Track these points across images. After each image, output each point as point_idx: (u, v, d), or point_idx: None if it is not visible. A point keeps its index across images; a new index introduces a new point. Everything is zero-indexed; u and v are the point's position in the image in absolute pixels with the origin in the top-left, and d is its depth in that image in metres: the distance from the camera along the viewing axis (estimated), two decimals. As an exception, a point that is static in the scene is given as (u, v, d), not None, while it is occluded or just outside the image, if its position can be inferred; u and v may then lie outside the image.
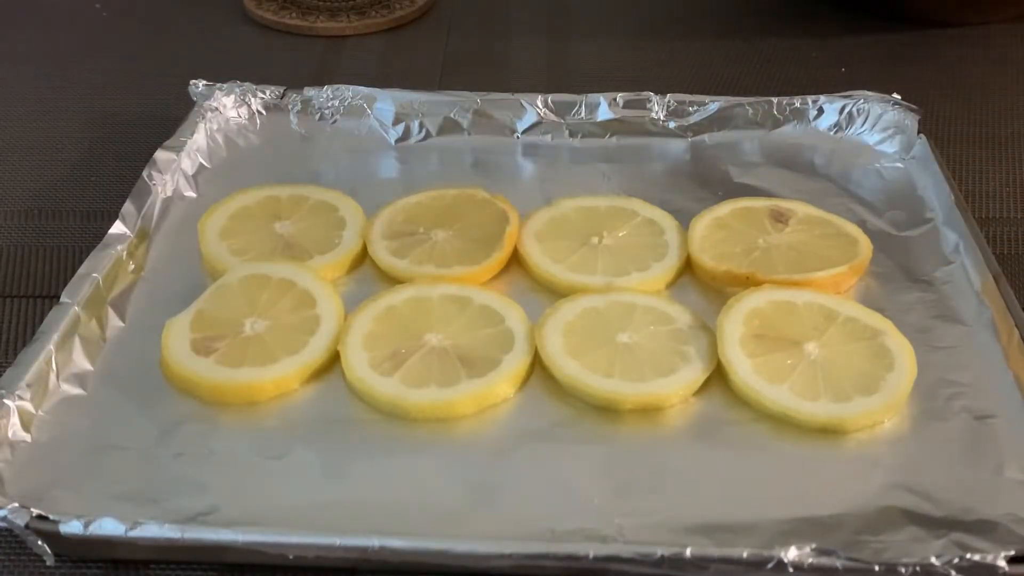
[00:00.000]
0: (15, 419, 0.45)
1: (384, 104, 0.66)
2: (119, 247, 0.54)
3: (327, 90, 0.67)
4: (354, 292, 0.54)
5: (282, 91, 0.67)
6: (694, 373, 0.48)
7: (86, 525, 0.39)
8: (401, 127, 0.66)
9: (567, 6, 0.89)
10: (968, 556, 0.38)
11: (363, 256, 0.57)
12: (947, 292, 0.53)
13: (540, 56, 0.80)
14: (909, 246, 0.57)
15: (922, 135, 0.63)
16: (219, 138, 0.65)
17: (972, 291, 0.53)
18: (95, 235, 0.55)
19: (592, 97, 0.66)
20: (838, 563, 0.38)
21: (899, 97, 0.65)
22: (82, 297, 0.50)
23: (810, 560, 0.38)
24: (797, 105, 0.66)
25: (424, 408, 0.47)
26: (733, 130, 0.66)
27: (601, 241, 0.56)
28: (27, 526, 0.39)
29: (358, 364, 0.48)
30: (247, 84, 0.67)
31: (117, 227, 0.55)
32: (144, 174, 0.59)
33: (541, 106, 0.66)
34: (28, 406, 0.46)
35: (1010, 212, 0.62)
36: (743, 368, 0.48)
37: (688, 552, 0.38)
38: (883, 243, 0.57)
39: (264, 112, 0.67)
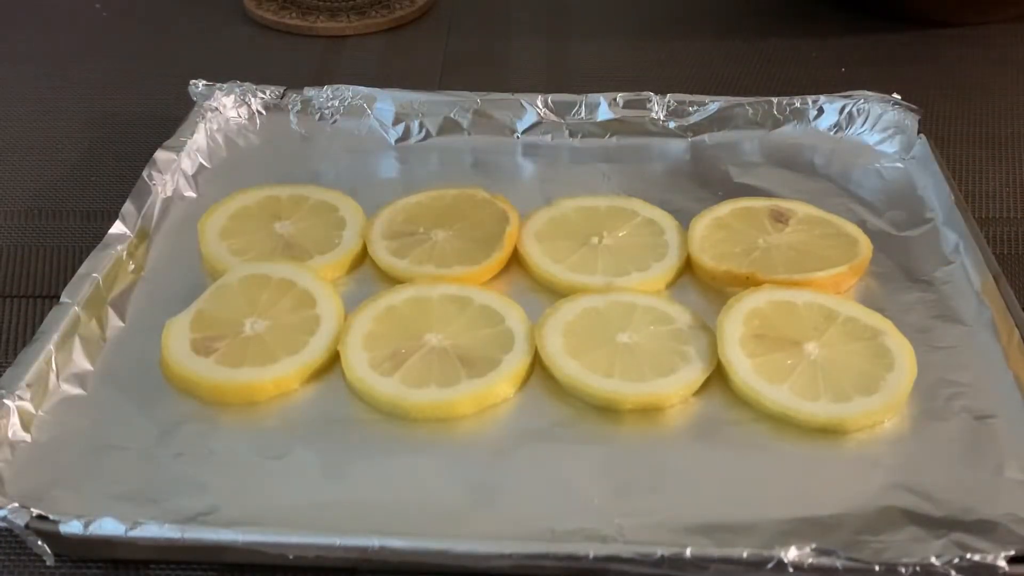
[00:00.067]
0: (15, 419, 0.45)
1: (384, 104, 0.66)
2: (119, 247, 0.54)
3: (327, 90, 0.67)
4: (354, 292, 0.54)
5: (282, 91, 0.67)
6: (694, 373, 0.48)
7: (86, 525, 0.39)
8: (401, 127, 0.66)
9: (567, 6, 0.89)
10: (968, 556, 0.38)
11: (363, 256, 0.57)
12: (947, 292, 0.53)
13: (540, 56, 0.80)
14: (909, 246, 0.57)
15: (922, 135, 0.63)
16: (219, 138, 0.65)
17: (972, 291, 0.53)
18: (95, 235, 0.55)
19: (592, 97, 0.66)
20: (838, 563, 0.38)
21: (899, 97, 0.65)
22: (82, 297, 0.50)
23: (810, 560, 0.38)
24: (797, 105, 0.66)
25: (424, 408, 0.47)
26: (733, 130, 0.66)
27: (601, 241, 0.56)
28: (27, 526, 0.39)
29: (358, 364, 0.48)
30: (247, 84, 0.67)
31: (117, 227, 0.55)
32: (144, 174, 0.59)
33: (541, 106, 0.66)
34: (28, 406, 0.46)
35: (1010, 212, 0.62)
36: (743, 368, 0.48)
37: (688, 552, 0.38)
38: (883, 243, 0.57)
39: (264, 112, 0.67)
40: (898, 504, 0.43)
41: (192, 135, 0.63)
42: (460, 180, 0.61)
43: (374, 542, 0.39)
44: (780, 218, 0.57)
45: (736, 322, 0.50)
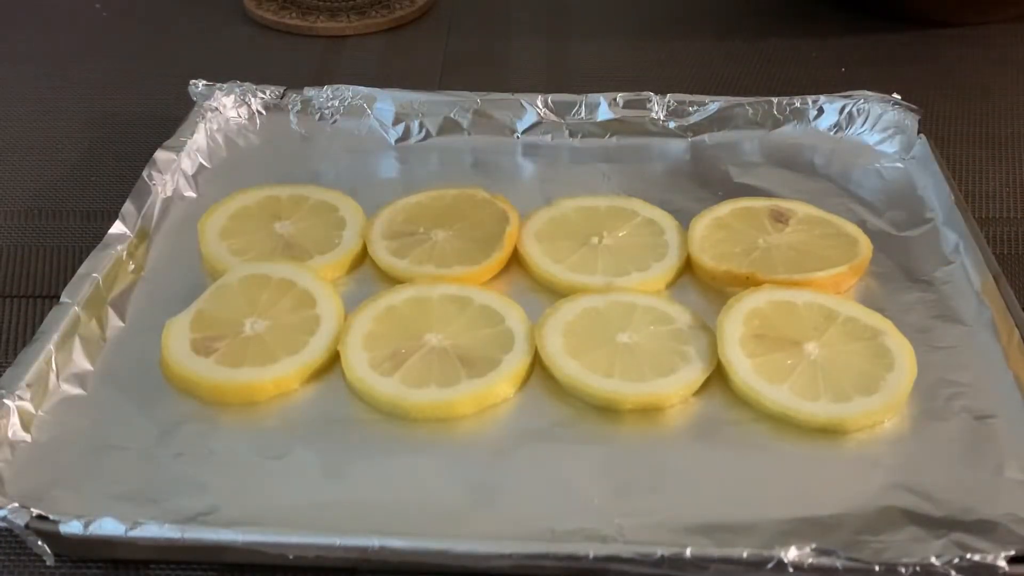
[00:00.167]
0: (15, 419, 0.45)
1: (384, 104, 0.66)
2: (119, 247, 0.54)
3: (327, 90, 0.67)
4: (354, 292, 0.54)
5: (282, 91, 0.67)
6: (694, 373, 0.48)
7: (86, 525, 0.39)
8: (401, 127, 0.66)
9: (567, 6, 0.89)
10: (968, 556, 0.38)
11: (363, 256, 0.57)
12: (947, 292, 0.53)
13: (540, 56, 0.80)
14: (909, 246, 0.57)
15: (922, 135, 0.63)
16: (219, 138, 0.65)
17: (972, 291, 0.53)
18: (95, 235, 0.55)
19: (592, 97, 0.66)
20: (838, 563, 0.38)
21: (899, 97, 0.65)
22: (82, 297, 0.50)
23: (810, 560, 0.38)
24: (797, 105, 0.66)
25: (424, 408, 0.47)
26: (733, 130, 0.66)
27: (601, 241, 0.56)
28: (27, 526, 0.39)
29: (358, 364, 0.48)
30: (247, 84, 0.67)
31: (117, 227, 0.55)
32: (144, 174, 0.59)
33: (541, 106, 0.66)
34: (28, 406, 0.46)
35: (1010, 212, 0.62)
36: (743, 368, 0.48)
37: (688, 552, 0.38)
38: (883, 243, 0.57)
39: (264, 112, 0.67)
40: (898, 504, 0.43)
41: (192, 135, 0.63)
42: (460, 180, 0.61)
43: (374, 542, 0.39)
44: (780, 218, 0.57)
45: (736, 322, 0.50)
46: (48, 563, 0.41)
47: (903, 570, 0.38)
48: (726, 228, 0.57)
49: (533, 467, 0.45)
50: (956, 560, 0.38)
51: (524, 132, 0.66)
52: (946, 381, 0.48)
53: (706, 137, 0.66)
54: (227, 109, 0.66)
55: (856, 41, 0.81)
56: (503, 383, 0.48)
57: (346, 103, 0.66)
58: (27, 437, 0.45)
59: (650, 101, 0.66)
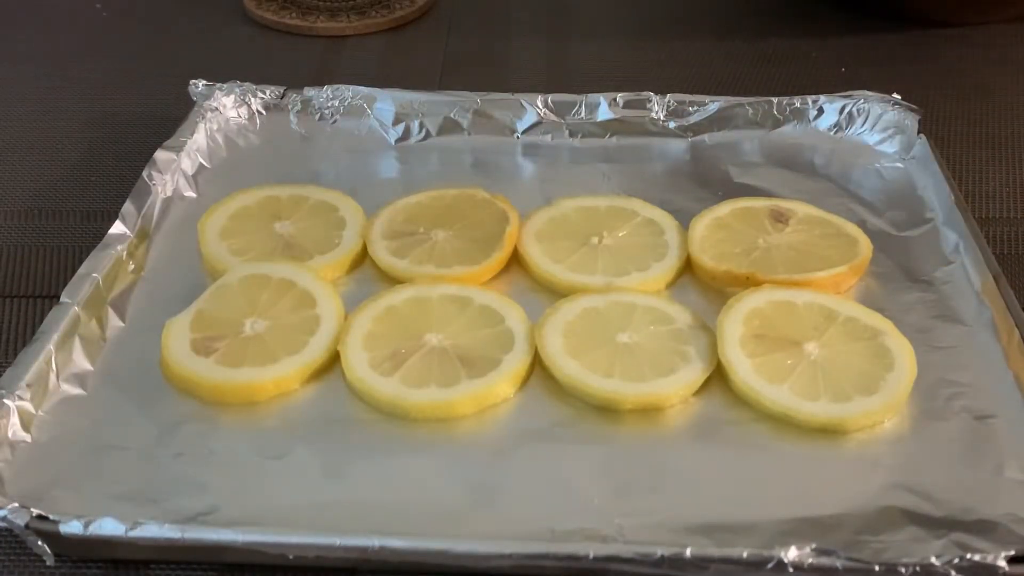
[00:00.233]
0: (15, 419, 0.45)
1: (384, 104, 0.66)
2: (119, 247, 0.54)
3: (327, 90, 0.67)
4: (354, 292, 0.54)
5: (282, 91, 0.67)
6: (694, 373, 0.48)
7: (86, 525, 0.39)
8: (401, 127, 0.66)
9: (567, 6, 0.89)
10: (968, 556, 0.38)
11: (363, 256, 0.56)
12: (947, 292, 0.53)
13: (540, 56, 0.80)
14: (909, 246, 0.57)
15: (922, 135, 0.63)
16: (219, 138, 0.65)
17: (972, 291, 0.53)
18: (95, 235, 0.55)
19: (592, 97, 0.66)
20: (838, 563, 0.38)
21: (899, 97, 0.65)
22: (82, 297, 0.50)
23: (810, 560, 0.38)
24: (797, 105, 0.66)
25: (424, 408, 0.47)
26: (733, 130, 0.66)
27: (601, 241, 0.56)
28: (27, 526, 0.39)
29: (358, 364, 0.48)
30: (247, 84, 0.67)
31: (117, 227, 0.55)
32: (144, 174, 0.59)
33: (541, 106, 0.66)
34: (28, 406, 0.46)
35: (1010, 212, 0.62)
36: (743, 368, 0.48)
37: (688, 552, 0.38)
38: (883, 243, 0.57)
39: (264, 112, 0.67)
40: (898, 504, 0.43)
41: (192, 135, 0.63)
42: (460, 180, 0.61)
43: (374, 542, 0.39)
44: (780, 218, 0.57)
45: (736, 322, 0.50)
46: (48, 563, 0.41)
47: (903, 570, 0.38)
48: (726, 228, 0.57)
49: (533, 467, 0.45)
50: (956, 560, 0.38)
51: (524, 132, 0.66)
52: (946, 381, 0.48)
53: (706, 137, 0.66)
54: (227, 109, 0.66)
55: (856, 41, 0.81)
56: (503, 383, 0.48)
57: (346, 103, 0.66)
58: (27, 437, 0.45)
59: (650, 101, 0.66)
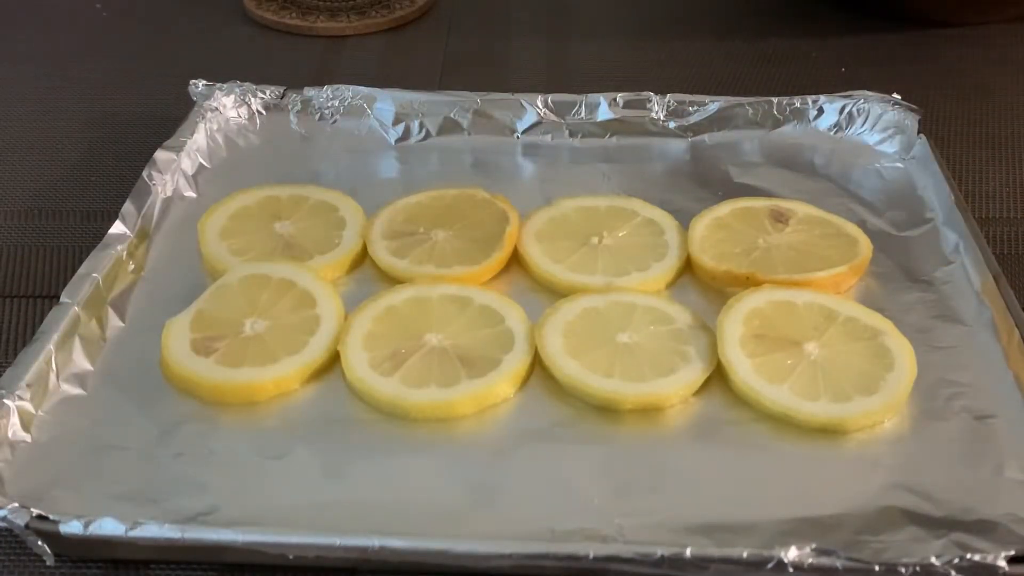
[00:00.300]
0: (15, 419, 0.45)
1: (384, 104, 0.66)
2: (119, 247, 0.54)
3: (327, 90, 0.67)
4: (354, 292, 0.54)
5: (282, 91, 0.67)
6: (694, 373, 0.48)
7: (86, 525, 0.39)
8: (401, 127, 0.66)
9: (567, 6, 0.89)
10: (968, 556, 0.38)
11: (363, 256, 0.56)
12: (947, 292, 0.53)
13: (540, 56, 0.80)
14: (909, 246, 0.57)
15: (922, 135, 0.63)
16: (219, 138, 0.65)
17: (972, 291, 0.53)
18: (95, 235, 0.55)
19: (592, 97, 0.66)
20: (838, 563, 0.38)
21: (899, 97, 0.65)
22: (82, 297, 0.50)
23: (810, 560, 0.38)
24: (797, 105, 0.66)
25: (424, 408, 0.47)
26: (733, 130, 0.66)
27: (601, 241, 0.56)
28: (27, 526, 0.39)
29: (358, 364, 0.48)
30: (247, 84, 0.67)
31: (117, 227, 0.55)
32: (144, 174, 0.59)
33: (541, 106, 0.66)
34: (28, 406, 0.46)
35: (1010, 212, 0.62)
36: (743, 368, 0.48)
37: (688, 552, 0.38)
38: (883, 243, 0.57)
39: (264, 112, 0.67)
40: (898, 504, 0.43)
41: (192, 135, 0.63)
42: (460, 180, 0.61)
43: (374, 542, 0.39)
44: (780, 218, 0.57)
45: (736, 322, 0.50)
46: (48, 563, 0.41)
47: (903, 570, 0.38)
48: (726, 228, 0.57)
49: (533, 467, 0.45)
50: (956, 560, 0.38)
51: (524, 132, 0.66)
52: (946, 381, 0.48)
53: (706, 137, 0.66)
54: (227, 109, 0.66)
55: (856, 41, 0.81)
56: (503, 383, 0.48)
57: (346, 103, 0.66)
58: (27, 437, 0.45)
59: (650, 101, 0.66)
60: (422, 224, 0.57)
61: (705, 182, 0.63)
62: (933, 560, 0.38)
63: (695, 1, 0.89)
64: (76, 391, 0.48)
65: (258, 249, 0.56)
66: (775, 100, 0.66)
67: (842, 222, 0.57)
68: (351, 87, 0.67)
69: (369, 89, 0.67)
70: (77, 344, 0.49)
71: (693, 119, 0.66)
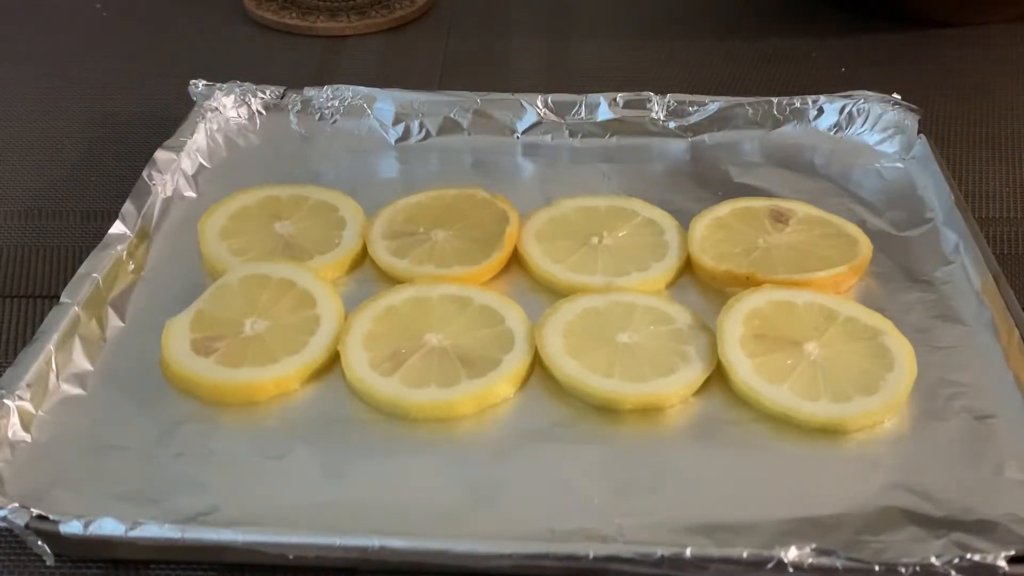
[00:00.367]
0: (15, 419, 0.45)
1: (384, 104, 0.66)
2: (119, 247, 0.54)
3: (327, 90, 0.67)
4: (354, 292, 0.54)
5: (282, 91, 0.67)
6: (694, 373, 0.48)
7: (86, 525, 0.39)
8: (401, 127, 0.66)
9: (567, 6, 0.89)
10: (968, 556, 0.38)
11: (363, 256, 0.57)
12: (947, 292, 0.53)
13: (540, 56, 0.80)
14: (909, 246, 0.57)
15: (922, 135, 0.63)
16: (219, 138, 0.65)
17: (972, 291, 0.53)
18: (95, 235, 0.55)
19: (592, 97, 0.66)
20: (838, 563, 0.38)
21: (899, 97, 0.65)
22: (82, 297, 0.50)
23: (810, 560, 0.38)
24: (797, 105, 0.66)
25: (424, 408, 0.47)
26: (733, 130, 0.66)
27: (601, 241, 0.56)
28: (27, 526, 0.39)
29: (358, 364, 0.48)
30: (247, 84, 0.67)
31: (117, 227, 0.55)
32: (144, 174, 0.59)
33: (541, 106, 0.66)
34: (28, 406, 0.46)
35: (1010, 212, 0.62)
36: (743, 368, 0.48)
37: (688, 552, 0.38)
38: (883, 243, 0.57)
39: (264, 112, 0.67)
40: (898, 504, 0.43)
41: (192, 135, 0.63)
42: (460, 180, 0.61)
43: (374, 542, 0.39)
44: (780, 218, 0.57)
45: (736, 322, 0.50)
46: (48, 563, 0.41)
47: (903, 570, 0.38)
48: (726, 228, 0.57)
49: (533, 467, 0.45)
50: (956, 560, 0.38)
51: (524, 132, 0.66)
52: (946, 381, 0.48)
53: (706, 137, 0.66)
54: (227, 109, 0.66)
55: (856, 41, 0.81)
56: (503, 383, 0.48)
57: (346, 103, 0.66)
58: (27, 437, 0.45)
59: (650, 101, 0.66)
60: (422, 224, 0.57)
61: (705, 182, 0.63)
62: (933, 560, 0.38)
63: (695, 1, 0.89)
64: (76, 391, 0.48)
65: (258, 249, 0.56)
66: (775, 100, 0.66)
67: (842, 222, 0.57)
68: (351, 87, 0.67)
69: (369, 89, 0.67)
70: (77, 344, 0.49)
71: (693, 119, 0.66)
